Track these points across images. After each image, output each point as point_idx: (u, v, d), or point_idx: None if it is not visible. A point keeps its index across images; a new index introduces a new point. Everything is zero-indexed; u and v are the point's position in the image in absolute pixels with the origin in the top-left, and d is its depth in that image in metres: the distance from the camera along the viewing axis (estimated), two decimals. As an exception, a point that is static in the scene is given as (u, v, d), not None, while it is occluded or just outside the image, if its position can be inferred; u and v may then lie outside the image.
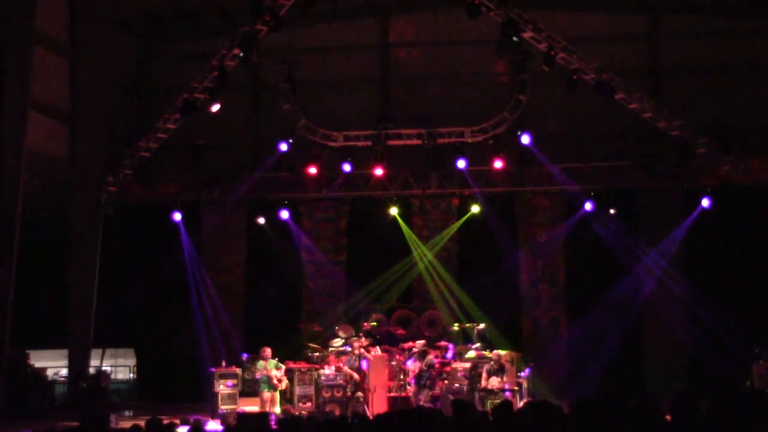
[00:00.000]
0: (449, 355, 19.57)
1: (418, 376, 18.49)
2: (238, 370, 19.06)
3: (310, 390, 18.94)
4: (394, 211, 22.41)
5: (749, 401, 7.86)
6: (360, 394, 18.55)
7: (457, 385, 18.63)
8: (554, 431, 7.52)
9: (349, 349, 19.21)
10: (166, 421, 8.69)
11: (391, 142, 21.52)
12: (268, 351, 18.38)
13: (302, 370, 19.17)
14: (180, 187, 22.78)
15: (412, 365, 18.73)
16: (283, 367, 18.59)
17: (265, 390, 18.17)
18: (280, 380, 18.35)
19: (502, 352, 19.15)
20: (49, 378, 21.72)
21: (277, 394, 18.31)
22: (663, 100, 22.19)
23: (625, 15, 24.07)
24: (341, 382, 18.67)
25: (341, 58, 24.54)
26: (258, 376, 18.17)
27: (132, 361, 24.48)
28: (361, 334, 19.85)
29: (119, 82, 23.66)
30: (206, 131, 22.79)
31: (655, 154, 22.35)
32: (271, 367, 18.25)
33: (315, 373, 19.06)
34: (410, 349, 19.26)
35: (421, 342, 19.17)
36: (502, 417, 8.05)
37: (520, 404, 15.54)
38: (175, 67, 24.15)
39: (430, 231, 22.82)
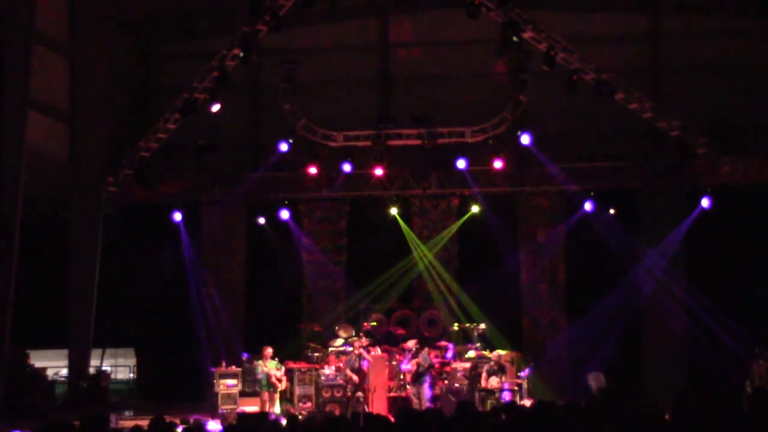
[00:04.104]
0: (449, 355, 19.59)
1: (416, 374, 18.50)
2: (238, 370, 19.08)
3: (310, 390, 19.00)
4: (394, 211, 22.41)
5: (749, 401, 7.87)
6: (360, 394, 18.58)
7: (457, 385, 18.67)
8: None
9: (349, 349, 19.23)
10: (167, 420, 8.69)
11: (391, 142, 21.52)
12: (269, 350, 18.43)
13: (302, 370, 19.22)
14: (180, 187, 22.76)
15: (406, 366, 18.76)
16: (283, 367, 18.61)
17: (265, 390, 18.20)
18: (279, 380, 18.38)
19: (502, 352, 19.21)
20: (49, 378, 21.70)
21: (277, 394, 18.34)
22: (663, 100, 22.19)
23: (625, 15, 24.06)
24: (341, 382, 18.71)
25: (341, 58, 24.52)
26: (260, 375, 18.19)
27: (132, 361, 24.48)
28: (361, 334, 19.87)
29: (119, 82, 23.64)
30: (206, 131, 22.75)
31: (655, 154, 22.36)
32: (271, 367, 18.29)
33: (315, 373, 19.09)
34: (406, 349, 19.27)
35: (412, 341, 19.18)
36: (511, 419, 8.06)
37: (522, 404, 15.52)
38: (175, 67, 24.14)
39: (430, 231, 22.81)
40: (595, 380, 18.94)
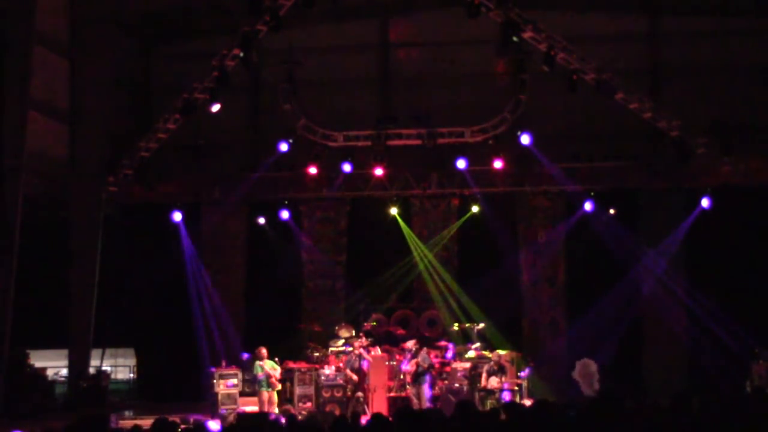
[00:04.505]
0: (449, 355, 19.58)
1: (415, 374, 18.50)
2: (238, 370, 19.08)
3: (310, 390, 18.97)
4: (394, 211, 22.42)
5: (748, 401, 7.87)
6: (360, 394, 18.57)
7: (457, 385, 18.66)
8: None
9: (349, 349, 19.23)
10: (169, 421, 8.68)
11: (391, 142, 21.52)
12: (264, 351, 18.42)
13: (302, 370, 19.20)
14: (180, 187, 22.77)
15: (406, 367, 18.75)
16: (279, 368, 18.60)
17: (265, 390, 18.21)
18: (278, 379, 18.38)
19: (502, 352, 19.20)
20: (49, 378, 21.70)
21: (275, 394, 18.35)
22: (663, 100, 22.19)
23: (625, 15, 24.04)
24: (341, 382, 18.70)
25: (341, 58, 24.51)
26: (260, 376, 18.20)
27: (132, 361, 24.47)
28: (361, 334, 19.86)
29: (119, 82, 23.63)
30: (206, 131, 22.79)
31: (655, 154, 22.36)
32: (268, 367, 18.30)
33: (315, 373, 19.08)
34: (405, 349, 19.26)
35: (412, 342, 19.17)
36: (512, 418, 8.05)
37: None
38: (175, 67, 24.11)
39: (430, 231, 22.82)
40: (582, 367, 18.96)
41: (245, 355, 19.67)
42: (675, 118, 21.00)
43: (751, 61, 23.06)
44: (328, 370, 18.90)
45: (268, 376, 18.16)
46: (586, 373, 18.91)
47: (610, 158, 21.99)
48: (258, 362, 18.33)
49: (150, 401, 22.04)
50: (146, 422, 8.93)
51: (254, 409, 18.09)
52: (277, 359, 18.65)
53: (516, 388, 18.29)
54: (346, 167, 21.46)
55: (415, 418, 8.23)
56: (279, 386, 18.43)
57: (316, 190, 22.63)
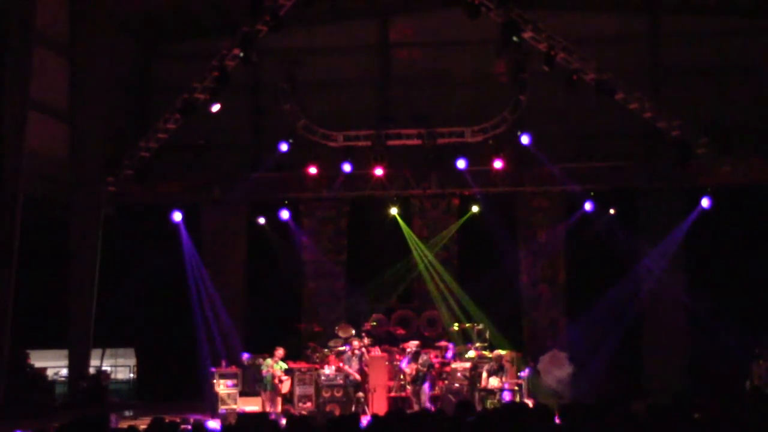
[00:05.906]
0: (449, 355, 19.58)
1: (415, 377, 18.50)
2: (238, 370, 19.09)
3: (310, 390, 18.98)
4: (394, 211, 22.42)
5: (748, 401, 7.87)
6: (360, 394, 18.58)
7: (457, 385, 18.66)
8: None
9: (350, 349, 19.24)
10: (167, 420, 8.69)
11: (391, 142, 21.54)
12: (281, 352, 18.47)
13: (302, 370, 19.20)
14: (180, 187, 22.77)
15: (407, 367, 18.74)
16: (286, 368, 18.60)
17: (267, 390, 18.20)
18: (282, 382, 18.38)
19: (502, 352, 19.19)
20: (49, 378, 21.68)
21: (280, 398, 18.34)
22: (663, 100, 22.19)
23: (625, 15, 24.08)
24: (341, 382, 18.71)
25: (341, 58, 24.54)
26: (264, 373, 18.20)
27: (132, 361, 24.46)
28: (363, 334, 19.86)
29: (119, 82, 23.63)
30: (206, 131, 22.81)
31: (655, 154, 22.36)
32: (277, 368, 18.31)
33: (315, 373, 19.09)
34: (406, 350, 19.27)
35: (414, 343, 19.17)
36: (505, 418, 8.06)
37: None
38: (175, 67, 24.14)
39: (430, 231, 22.83)
40: (550, 360, 18.96)
41: (245, 355, 19.68)
42: (675, 118, 21.01)
43: (751, 61, 23.07)
44: (328, 370, 18.90)
45: (273, 376, 18.15)
46: (553, 362, 18.94)
47: (610, 158, 21.99)
48: (266, 360, 18.31)
49: (150, 401, 22.03)
50: (145, 422, 8.92)
51: (254, 409, 18.09)
52: (286, 363, 18.66)
53: (516, 388, 18.29)
54: (346, 167, 21.47)
55: (408, 419, 8.24)
56: (283, 390, 18.40)
57: (316, 190, 22.62)
